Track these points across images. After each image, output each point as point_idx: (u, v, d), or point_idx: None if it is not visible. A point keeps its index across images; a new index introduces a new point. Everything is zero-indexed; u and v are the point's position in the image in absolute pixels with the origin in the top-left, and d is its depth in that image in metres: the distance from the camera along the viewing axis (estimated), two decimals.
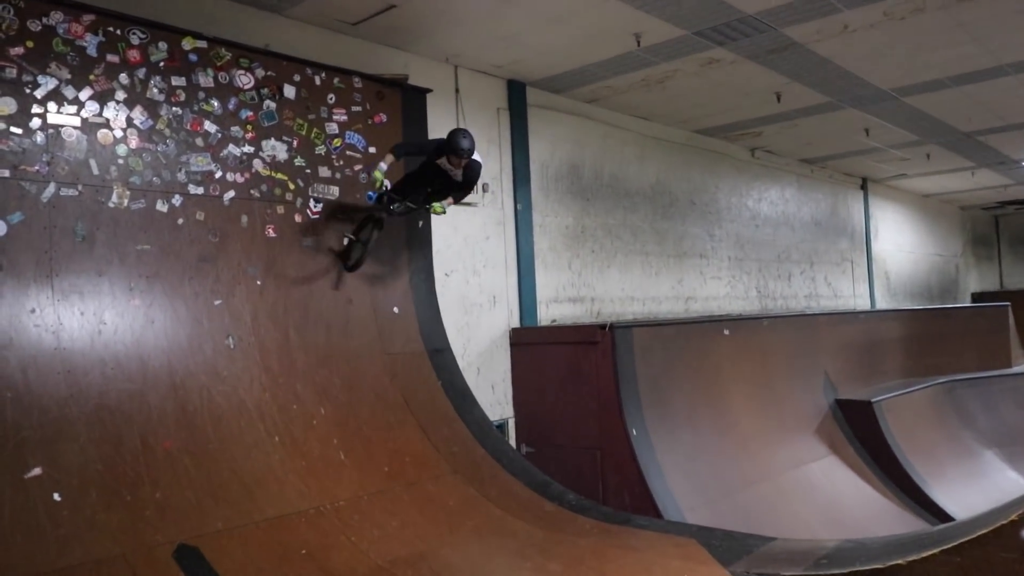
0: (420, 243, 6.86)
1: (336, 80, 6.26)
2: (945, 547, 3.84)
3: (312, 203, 6.01)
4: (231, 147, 5.54)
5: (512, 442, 7.55)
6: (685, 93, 8.99)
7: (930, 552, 3.86)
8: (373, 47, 6.93)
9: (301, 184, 5.96)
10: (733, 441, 7.73)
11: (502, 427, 7.51)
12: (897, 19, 6.97)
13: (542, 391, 7.53)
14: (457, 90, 7.62)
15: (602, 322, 7.49)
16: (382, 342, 6.28)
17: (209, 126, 5.43)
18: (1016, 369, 12.16)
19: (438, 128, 7.25)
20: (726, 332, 8.46)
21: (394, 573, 4.38)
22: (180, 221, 5.22)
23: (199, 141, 5.37)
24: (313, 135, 6.06)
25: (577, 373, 7.18)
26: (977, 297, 19.62)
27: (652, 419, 6.92)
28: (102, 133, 4.88)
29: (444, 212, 5.79)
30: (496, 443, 6.42)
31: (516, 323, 7.96)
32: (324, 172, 6.11)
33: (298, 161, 5.94)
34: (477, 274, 7.67)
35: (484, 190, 7.67)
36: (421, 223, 6.92)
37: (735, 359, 8.45)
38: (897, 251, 16.79)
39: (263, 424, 5.16)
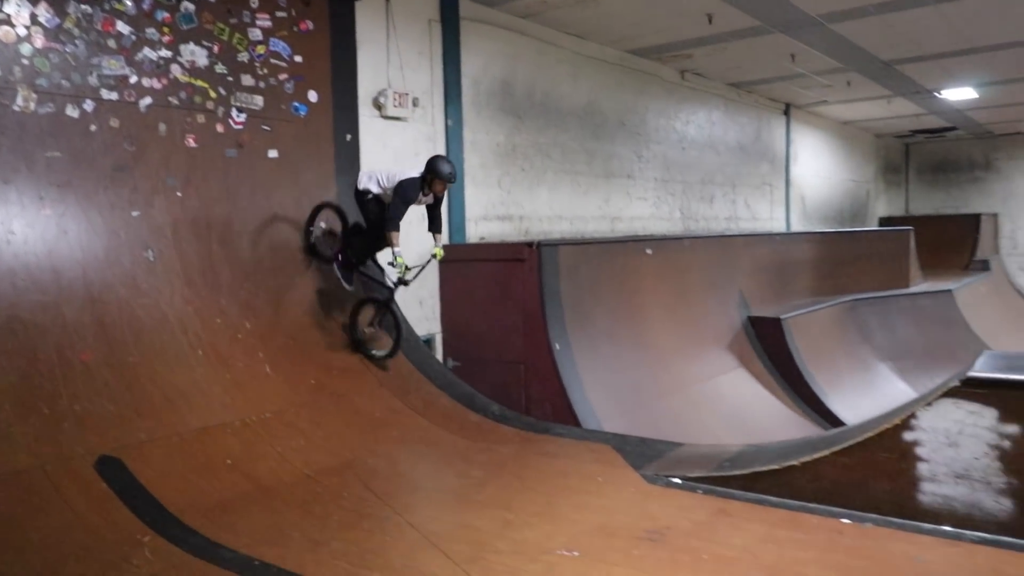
0: (348, 157, 6.74)
1: None
2: (835, 449, 4.23)
3: (235, 112, 5.81)
4: (146, 50, 5.27)
5: (439, 356, 7.71)
6: (620, 11, 8.90)
7: (821, 454, 4.25)
8: None
9: (223, 92, 5.74)
10: (651, 355, 8.09)
11: (429, 342, 7.64)
12: None
13: (469, 307, 7.66)
14: None
15: (529, 240, 7.60)
16: (309, 256, 6.25)
17: (122, 27, 5.13)
18: (913, 288, 12.95)
19: (367, 40, 7.04)
20: (648, 252, 8.71)
21: (319, 481, 4.52)
22: (93, 128, 4.99)
23: (111, 43, 5.08)
24: (235, 41, 5.80)
25: (504, 289, 7.32)
26: (884, 221, 20.54)
27: (575, 334, 7.17)
28: (3, 30, 4.57)
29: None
30: (423, 357, 6.56)
31: (444, 240, 7.97)
32: (247, 80, 5.89)
33: (219, 68, 5.71)
34: None
35: (415, 104, 7.54)
36: (349, 136, 6.79)
37: (656, 278, 8.74)
38: (814, 176, 17.38)
39: (186, 338, 5.13)
